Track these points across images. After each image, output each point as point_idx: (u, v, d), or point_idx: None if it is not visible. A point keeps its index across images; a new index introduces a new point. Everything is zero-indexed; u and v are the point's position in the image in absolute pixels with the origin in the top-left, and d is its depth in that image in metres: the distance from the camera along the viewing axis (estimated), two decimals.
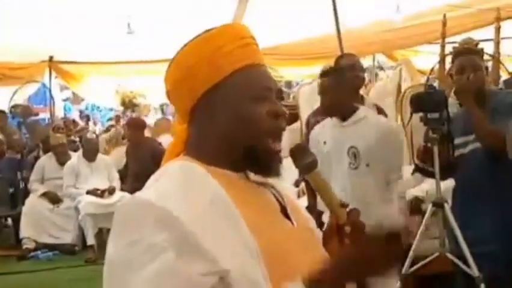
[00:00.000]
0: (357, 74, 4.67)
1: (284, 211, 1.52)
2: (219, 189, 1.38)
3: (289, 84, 15.03)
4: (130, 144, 9.43)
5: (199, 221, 1.29)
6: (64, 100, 16.16)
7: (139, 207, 1.32)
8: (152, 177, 1.46)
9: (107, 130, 12.35)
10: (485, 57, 4.50)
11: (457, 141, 4.14)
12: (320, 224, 1.72)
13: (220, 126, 1.46)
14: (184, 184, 1.37)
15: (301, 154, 1.54)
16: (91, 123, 15.85)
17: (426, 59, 11.46)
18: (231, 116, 1.45)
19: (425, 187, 5.33)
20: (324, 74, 4.29)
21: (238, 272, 1.28)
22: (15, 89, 11.77)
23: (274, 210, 1.50)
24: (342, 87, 4.10)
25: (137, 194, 1.39)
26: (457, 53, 4.28)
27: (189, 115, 1.51)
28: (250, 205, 1.42)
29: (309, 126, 4.66)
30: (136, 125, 9.53)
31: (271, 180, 1.57)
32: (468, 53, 4.22)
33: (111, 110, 15.29)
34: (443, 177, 4.20)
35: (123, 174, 9.37)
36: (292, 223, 1.51)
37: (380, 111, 4.74)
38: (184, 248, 1.26)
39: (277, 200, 1.54)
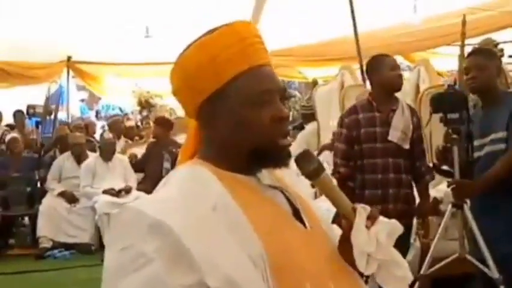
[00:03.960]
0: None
1: (297, 213, 1.50)
2: (224, 195, 1.38)
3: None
4: (156, 141, 9.46)
5: (195, 232, 1.28)
6: (80, 101, 16.20)
7: (133, 215, 1.32)
8: (162, 182, 1.48)
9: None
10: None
11: (474, 143, 4.11)
12: None
13: (222, 132, 1.46)
14: (186, 191, 1.37)
15: (305, 160, 1.50)
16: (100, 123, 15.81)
17: (443, 60, 11.42)
18: (233, 122, 1.45)
19: (443, 188, 5.28)
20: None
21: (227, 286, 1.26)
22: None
23: (285, 213, 1.48)
24: None
25: (134, 202, 1.41)
26: (468, 54, 4.29)
27: (196, 116, 1.51)
28: (260, 209, 1.41)
29: (343, 125, 4.64)
30: (165, 123, 9.63)
31: (285, 182, 1.56)
32: (475, 53, 4.21)
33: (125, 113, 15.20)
34: (462, 177, 4.18)
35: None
36: (305, 226, 1.49)
37: (413, 111, 4.73)
38: (173, 260, 1.26)
39: (290, 202, 1.52)
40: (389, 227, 1.48)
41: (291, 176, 1.60)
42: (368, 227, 1.46)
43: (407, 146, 4.55)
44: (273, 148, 1.45)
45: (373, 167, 4.49)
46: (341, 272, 1.49)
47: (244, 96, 1.44)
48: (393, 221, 1.52)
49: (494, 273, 3.89)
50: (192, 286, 1.25)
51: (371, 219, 1.47)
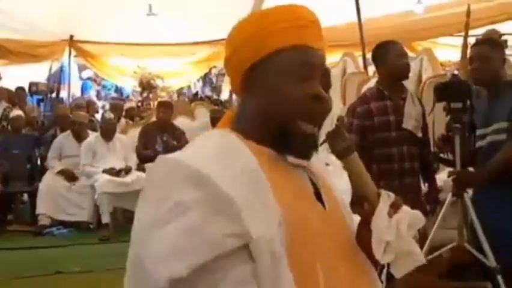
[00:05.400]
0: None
1: (317, 194, 1.47)
2: (251, 160, 1.35)
3: None
4: (154, 123, 9.53)
5: (231, 184, 1.26)
6: (86, 79, 16.19)
7: (169, 165, 1.31)
8: (189, 143, 1.46)
9: None
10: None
11: (476, 133, 4.13)
12: None
13: (257, 102, 1.44)
14: (217, 149, 1.35)
15: (337, 138, 1.46)
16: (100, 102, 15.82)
17: (445, 51, 11.44)
18: (269, 93, 1.42)
19: (443, 177, 5.29)
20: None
21: (263, 242, 1.24)
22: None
23: (307, 191, 1.46)
24: None
25: (169, 154, 1.36)
26: (473, 44, 4.30)
27: (239, 89, 1.50)
28: (283, 182, 1.39)
29: (355, 115, 4.53)
30: (167, 105, 9.77)
31: (309, 163, 1.52)
32: (480, 43, 4.20)
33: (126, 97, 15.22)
34: (463, 166, 4.21)
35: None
36: (324, 207, 1.46)
37: (419, 100, 4.73)
38: (212, 208, 1.23)
39: (312, 182, 1.49)
40: (411, 218, 1.44)
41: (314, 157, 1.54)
42: (390, 215, 1.42)
43: (420, 134, 4.54)
44: (296, 131, 1.42)
45: (389, 156, 4.43)
46: (353, 257, 1.47)
47: (284, 66, 1.42)
48: (417, 211, 1.47)
49: (491, 262, 3.92)
50: (233, 235, 1.23)
51: (395, 207, 1.44)
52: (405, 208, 1.45)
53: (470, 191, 4.24)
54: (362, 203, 1.47)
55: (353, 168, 1.48)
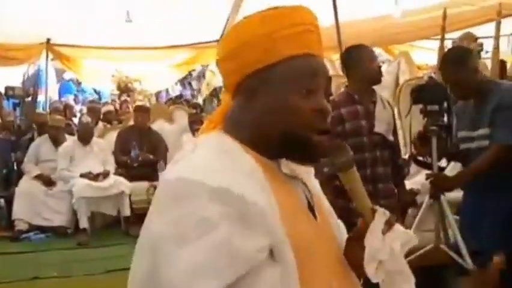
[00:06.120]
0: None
1: (310, 206, 1.47)
2: (256, 168, 1.34)
3: None
4: (136, 127, 9.52)
5: (249, 192, 1.25)
6: (68, 80, 16.08)
7: (188, 183, 1.25)
8: (186, 150, 1.40)
9: None
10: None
11: (462, 134, 4.11)
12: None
13: (259, 110, 1.39)
14: (223, 156, 1.33)
15: (339, 151, 1.46)
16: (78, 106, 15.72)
17: (422, 54, 11.52)
18: (273, 103, 1.38)
19: (420, 179, 5.31)
20: None
21: (286, 245, 1.26)
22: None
23: (302, 204, 1.45)
24: None
25: (181, 170, 1.31)
26: (440, 66, 4.31)
27: (234, 89, 1.45)
28: (282, 193, 1.37)
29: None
30: (144, 110, 9.76)
31: (300, 173, 1.52)
32: (443, 67, 4.16)
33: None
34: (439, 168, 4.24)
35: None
36: (316, 218, 1.46)
37: (388, 103, 4.69)
38: (240, 223, 1.21)
39: (305, 194, 1.48)
40: (404, 237, 1.43)
41: (301, 168, 1.53)
42: (383, 233, 1.42)
43: (391, 138, 4.49)
44: (305, 140, 1.39)
45: (362, 161, 4.28)
46: (343, 269, 1.47)
47: (291, 79, 1.38)
48: (409, 231, 1.47)
49: (468, 264, 3.94)
50: (265, 248, 1.22)
51: (388, 225, 1.43)
52: (398, 227, 1.45)
53: (447, 194, 4.26)
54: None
55: (351, 182, 1.48)
